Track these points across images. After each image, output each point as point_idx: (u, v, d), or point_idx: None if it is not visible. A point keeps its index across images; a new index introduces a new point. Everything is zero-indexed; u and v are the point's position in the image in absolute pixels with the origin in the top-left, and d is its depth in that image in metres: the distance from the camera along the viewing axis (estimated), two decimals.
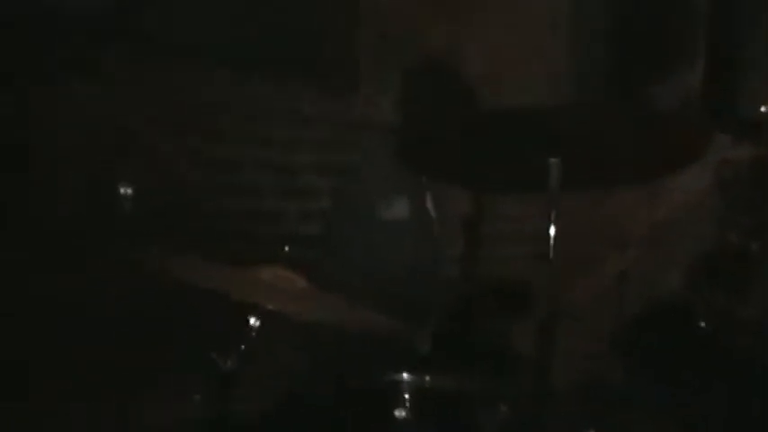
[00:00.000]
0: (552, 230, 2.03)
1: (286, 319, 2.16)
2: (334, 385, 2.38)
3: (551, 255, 2.07)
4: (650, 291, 3.05)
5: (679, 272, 2.60)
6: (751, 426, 2.44)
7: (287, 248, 2.26)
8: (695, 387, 2.47)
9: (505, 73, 4.05)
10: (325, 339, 2.35)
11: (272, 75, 3.23)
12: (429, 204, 3.03)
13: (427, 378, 2.35)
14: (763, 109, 4.71)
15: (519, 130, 1.98)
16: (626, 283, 3.42)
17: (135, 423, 2.64)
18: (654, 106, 4.59)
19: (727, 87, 4.74)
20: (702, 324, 2.46)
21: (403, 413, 2.33)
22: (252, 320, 2.18)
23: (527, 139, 2.00)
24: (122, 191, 2.51)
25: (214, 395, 2.24)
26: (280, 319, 2.16)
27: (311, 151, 3.33)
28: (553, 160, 2.04)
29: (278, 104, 3.25)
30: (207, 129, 2.99)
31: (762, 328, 2.46)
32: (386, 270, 2.82)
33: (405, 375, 2.33)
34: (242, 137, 3.13)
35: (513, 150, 2.03)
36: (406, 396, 2.33)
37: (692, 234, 4.73)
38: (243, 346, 2.19)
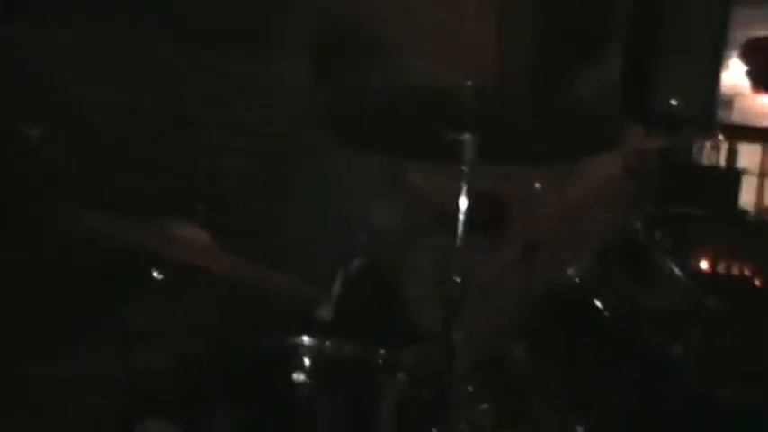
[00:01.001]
0: (462, 204, 2.06)
1: (190, 271, 2.14)
2: (236, 345, 2.37)
3: (460, 228, 2.09)
4: (556, 272, 3.09)
5: (585, 255, 2.65)
6: (647, 412, 2.53)
7: (200, 207, 2.24)
8: (594, 371, 2.54)
9: (427, 48, 4.07)
10: (226, 297, 2.34)
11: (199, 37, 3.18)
12: (344, 170, 3.05)
13: (327, 343, 2.36)
14: (673, 102, 4.84)
15: (438, 105, 2.00)
16: (533, 262, 3.48)
17: (45, 380, 2.60)
18: (573, 95, 4.68)
19: (642, 81, 4.85)
20: (604, 309, 2.52)
21: (301, 377, 2.33)
22: (155, 273, 2.15)
23: (445, 115, 2.02)
24: (31, 136, 2.46)
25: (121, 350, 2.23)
26: (183, 272, 2.14)
27: (226, 109, 3.29)
28: (467, 136, 2.07)
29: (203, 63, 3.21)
30: (128, 82, 2.93)
31: (662, 317, 2.53)
32: (296, 235, 2.82)
33: (305, 339, 2.33)
34: (160, 92, 3.08)
35: (431, 124, 2.05)
36: (306, 360, 2.33)
37: (600, 219, 4.86)
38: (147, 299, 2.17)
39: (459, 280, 2.16)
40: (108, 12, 2.87)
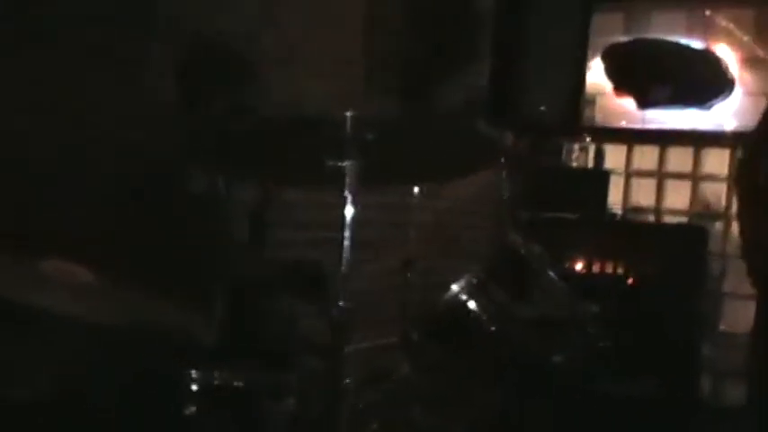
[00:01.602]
0: (348, 218, 2.08)
1: (65, 317, 2.06)
2: (120, 384, 2.31)
3: (346, 242, 2.10)
4: (436, 286, 3.12)
5: (466, 269, 2.69)
6: (527, 420, 2.59)
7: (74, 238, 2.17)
8: (477, 383, 2.58)
9: (295, 62, 4.07)
10: (109, 338, 2.27)
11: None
12: (220, 190, 3.02)
13: (215, 373, 2.34)
14: (541, 108, 4.97)
15: (314, 134, 2.01)
16: (410, 272, 3.51)
17: None
18: (441, 106, 4.75)
19: (511, 87, 4.95)
20: (485, 322, 2.57)
21: (190, 409, 2.31)
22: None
23: (322, 144, 2.03)
24: None
25: None
26: (58, 318, 2.06)
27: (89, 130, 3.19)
28: (348, 163, 2.08)
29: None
30: None
31: (543, 326, 2.59)
32: (174, 257, 2.77)
33: (192, 371, 2.31)
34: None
35: (308, 153, 2.06)
36: (195, 392, 2.31)
37: (476, 226, 4.94)
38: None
39: (343, 304, 2.16)
40: None
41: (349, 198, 2.13)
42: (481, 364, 2.59)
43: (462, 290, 2.69)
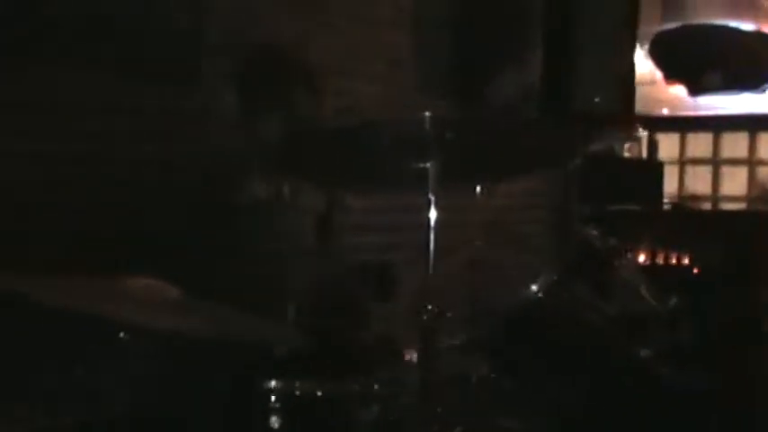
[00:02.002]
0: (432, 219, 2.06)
1: (157, 332, 2.05)
2: (209, 395, 2.30)
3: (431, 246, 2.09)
4: (504, 279, 3.08)
5: (545, 269, 2.64)
6: (613, 422, 2.54)
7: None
8: (560, 382, 2.54)
9: (350, 66, 4.05)
10: (197, 351, 2.26)
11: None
12: (287, 197, 3.01)
13: (296, 383, 2.32)
14: (595, 99, 4.92)
15: (399, 137, 2.01)
16: (477, 272, 3.47)
17: None
18: (496, 103, 4.72)
19: (564, 80, 4.91)
20: (567, 318, 2.53)
21: (275, 422, 2.29)
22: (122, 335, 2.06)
23: (407, 146, 2.01)
24: None
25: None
26: (150, 333, 2.05)
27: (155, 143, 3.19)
28: (430, 164, 2.06)
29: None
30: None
31: (626, 323, 2.54)
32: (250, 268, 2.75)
33: (273, 383, 2.29)
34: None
35: (394, 156, 2.04)
36: (278, 404, 2.29)
37: (539, 221, 4.89)
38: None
39: (432, 307, 2.13)
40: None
41: (432, 199, 2.11)
42: (565, 363, 2.54)
43: (541, 288, 2.64)
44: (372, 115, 4.15)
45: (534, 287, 2.70)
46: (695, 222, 4.84)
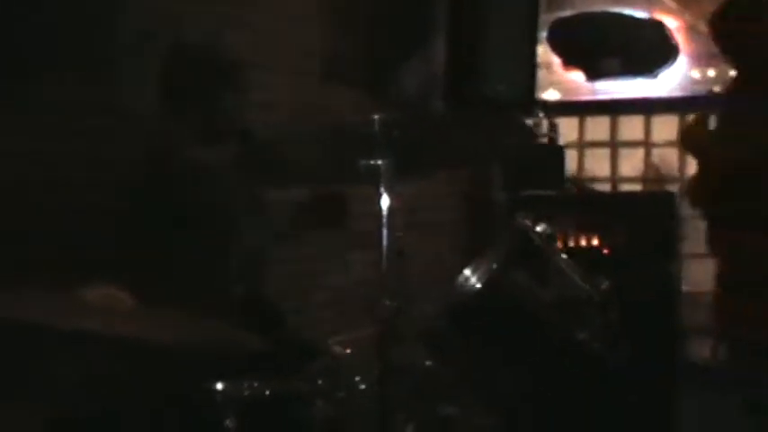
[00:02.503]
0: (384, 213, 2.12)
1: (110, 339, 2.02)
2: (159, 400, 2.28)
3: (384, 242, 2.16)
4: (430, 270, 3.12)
5: (483, 258, 2.69)
6: (557, 405, 2.61)
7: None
8: (503, 369, 2.60)
9: (263, 58, 4.04)
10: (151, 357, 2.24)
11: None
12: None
13: (244, 385, 2.32)
14: (499, 87, 5.01)
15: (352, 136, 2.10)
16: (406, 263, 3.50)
17: None
18: (401, 93, 4.77)
19: (465, 70, 4.98)
20: (510, 308, 2.59)
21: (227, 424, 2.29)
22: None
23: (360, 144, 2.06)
24: None
25: None
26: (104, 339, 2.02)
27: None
28: (382, 161, 2.11)
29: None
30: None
31: (564, 306, 2.61)
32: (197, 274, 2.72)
33: (220, 385, 2.29)
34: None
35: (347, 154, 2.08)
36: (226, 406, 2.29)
37: (455, 207, 4.97)
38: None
39: (389, 302, 2.17)
40: None
41: (384, 193, 2.15)
42: (508, 350, 2.60)
43: (480, 277, 2.69)
44: (289, 109, 4.17)
45: (470, 276, 2.74)
46: (602, 204, 4.99)
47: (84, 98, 3.22)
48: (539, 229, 2.84)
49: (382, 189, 2.15)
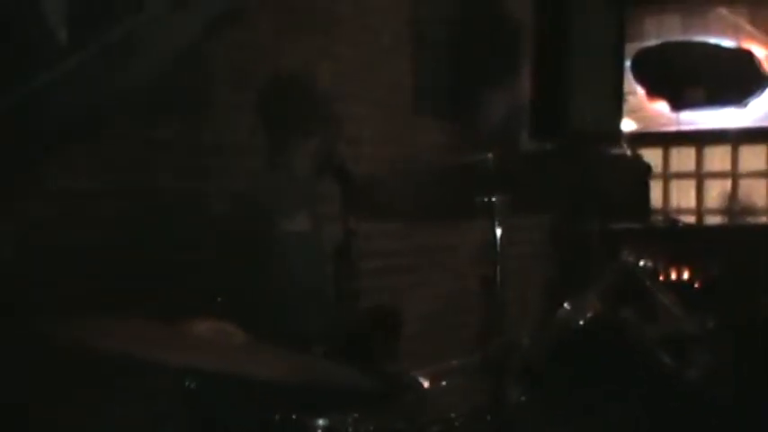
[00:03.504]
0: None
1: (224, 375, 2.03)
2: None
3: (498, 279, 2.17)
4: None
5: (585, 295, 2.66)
6: None
7: (219, 299, 2.14)
8: (614, 408, 2.56)
9: (354, 89, 4.06)
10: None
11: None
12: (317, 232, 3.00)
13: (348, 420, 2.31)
14: (586, 119, 4.97)
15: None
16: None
17: None
18: (488, 125, 4.76)
19: (551, 103, 4.95)
20: (615, 346, 2.55)
21: None
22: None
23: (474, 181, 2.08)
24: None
25: None
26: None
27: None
28: (496, 197, 2.11)
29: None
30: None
31: (670, 343, 2.57)
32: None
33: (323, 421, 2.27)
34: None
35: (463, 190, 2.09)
36: None
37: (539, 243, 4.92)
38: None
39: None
40: None
41: (498, 230, 2.15)
42: (617, 388, 2.55)
43: (582, 313, 2.65)
44: (376, 141, 4.19)
45: (571, 311, 2.71)
46: (693, 237, 4.91)
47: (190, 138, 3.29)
48: (642, 264, 2.80)
49: (496, 224, 2.13)
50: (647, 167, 2.59)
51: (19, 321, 2.28)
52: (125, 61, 2.89)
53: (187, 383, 2.04)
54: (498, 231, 2.14)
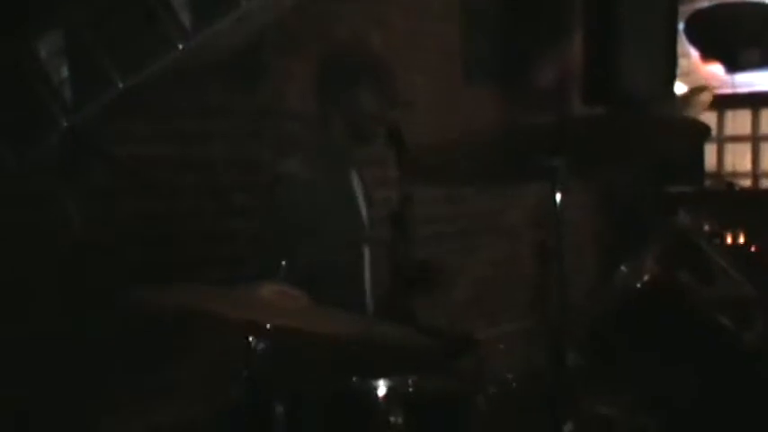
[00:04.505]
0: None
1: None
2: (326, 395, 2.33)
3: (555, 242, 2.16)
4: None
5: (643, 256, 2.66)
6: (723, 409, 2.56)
7: (283, 263, 2.18)
8: (664, 370, 2.56)
9: (406, 58, 4.07)
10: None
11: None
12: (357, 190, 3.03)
13: (409, 381, 2.35)
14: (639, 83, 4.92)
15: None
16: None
17: None
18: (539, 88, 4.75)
19: (604, 65, 4.91)
20: (674, 307, 2.55)
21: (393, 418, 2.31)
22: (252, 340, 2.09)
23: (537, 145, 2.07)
24: None
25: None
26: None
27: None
28: (558, 160, 2.10)
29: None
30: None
31: (729, 307, 2.57)
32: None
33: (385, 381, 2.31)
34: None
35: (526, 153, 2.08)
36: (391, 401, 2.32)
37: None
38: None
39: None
40: None
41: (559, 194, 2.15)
42: (675, 350, 2.56)
43: (639, 275, 2.66)
44: (427, 108, 4.21)
45: (628, 274, 2.71)
46: (750, 201, 4.87)
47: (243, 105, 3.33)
48: (698, 227, 2.80)
49: (557, 187, 2.14)
50: (706, 128, 2.56)
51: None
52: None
53: (250, 343, 2.11)
54: (557, 195, 2.15)
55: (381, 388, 2.30)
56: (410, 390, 2.34)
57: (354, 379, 2.32)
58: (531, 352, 2.47)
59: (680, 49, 5.55)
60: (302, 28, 3.64)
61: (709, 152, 5.64)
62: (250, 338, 2.10)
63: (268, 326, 2.05)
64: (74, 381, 2.71)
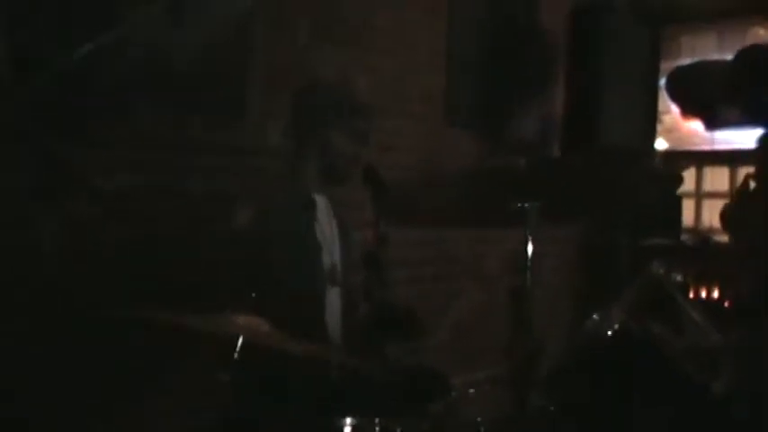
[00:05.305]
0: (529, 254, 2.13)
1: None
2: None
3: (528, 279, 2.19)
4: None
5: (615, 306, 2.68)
6: None
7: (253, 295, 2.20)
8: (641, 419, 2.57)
9: (388, 99, 4.12)
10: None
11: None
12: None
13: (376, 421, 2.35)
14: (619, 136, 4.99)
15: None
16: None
17: None
18: (518, 139, 4.79)
19: (584, 119, 4.98)
20: (642, 356, 2.57)
21: None
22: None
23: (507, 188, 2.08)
24: None
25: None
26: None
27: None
28: (529, 204, 2.13)
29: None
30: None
31: (697, 356, 2.59)
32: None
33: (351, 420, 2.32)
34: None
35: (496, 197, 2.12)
36: None
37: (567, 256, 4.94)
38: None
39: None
40: None
41: (529, 236, 2.17)
42: (644, 398, 2.57)
43: (610, 324, 2.68)
44: (409, 151, 4.25)
45: (600, 322, 2.73)
46: (725, 256, 4.90)
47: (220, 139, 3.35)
48: (671, 278, 2.82)
49: (528, 232, 2.16)
50: (679, 178, 2.59)
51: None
52: None
53: (221, 377, 2.11)
54: (529, 240, 2.17)
55: (347, 428, 2.31)
56: (377, 429, 2.34)
57: (321, 417, 2.32)
58: (501, 397, 2.47)
59: (662, 106, 5.63)
60: (289, 69, 3.68)
61: (687, 208, 5.69)
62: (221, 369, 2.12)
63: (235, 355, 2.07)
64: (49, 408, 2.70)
